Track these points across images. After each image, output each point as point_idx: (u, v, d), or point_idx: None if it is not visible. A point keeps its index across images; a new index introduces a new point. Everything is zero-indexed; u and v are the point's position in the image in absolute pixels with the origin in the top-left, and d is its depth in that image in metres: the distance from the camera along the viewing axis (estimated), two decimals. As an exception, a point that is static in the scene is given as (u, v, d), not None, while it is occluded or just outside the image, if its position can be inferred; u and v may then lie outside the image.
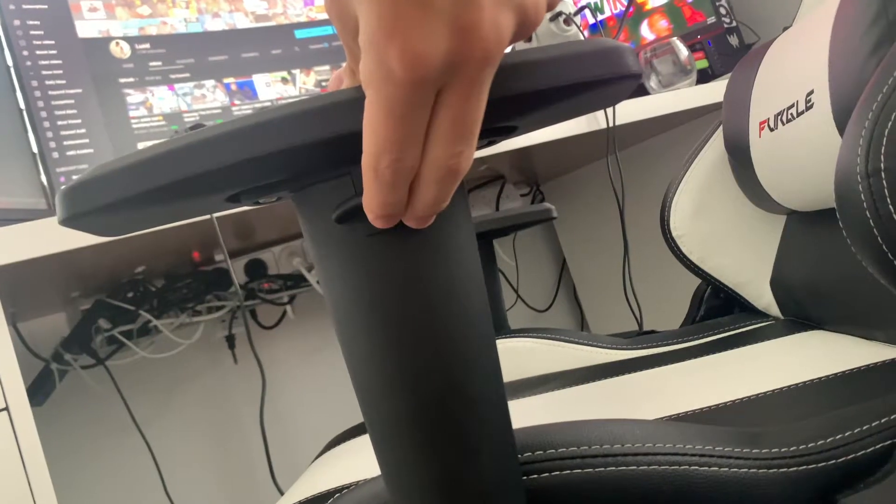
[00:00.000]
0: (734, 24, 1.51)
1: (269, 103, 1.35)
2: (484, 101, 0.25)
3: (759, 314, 0.84)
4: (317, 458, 0.74)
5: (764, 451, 0.34)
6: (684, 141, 1.46)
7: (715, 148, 0.86)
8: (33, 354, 1.15)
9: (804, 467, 0.34)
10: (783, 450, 0.35)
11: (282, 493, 1.17)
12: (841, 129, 0.55)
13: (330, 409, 1.48)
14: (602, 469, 0.31)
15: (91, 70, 1.19)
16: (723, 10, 1.50)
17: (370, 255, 0.30)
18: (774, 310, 0.82)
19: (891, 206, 0.36)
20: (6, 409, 0.75)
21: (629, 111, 1.15)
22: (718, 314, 0.89)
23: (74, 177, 1.11)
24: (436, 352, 0.30)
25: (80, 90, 1.17)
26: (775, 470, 0.34)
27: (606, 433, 0.33)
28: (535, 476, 0.31)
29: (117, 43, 1.23)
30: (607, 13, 1.50)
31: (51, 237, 0.78)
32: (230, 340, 1.38)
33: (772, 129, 0.68)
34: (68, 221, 0.29)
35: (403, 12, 0.23)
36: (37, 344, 1.17)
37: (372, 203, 0.27)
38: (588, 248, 1.83)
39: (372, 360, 0.30)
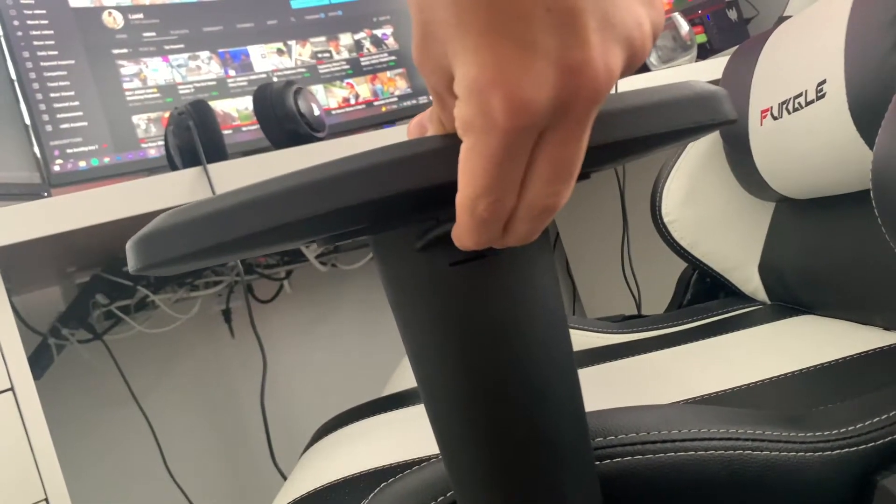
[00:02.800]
0: (733, -3, 1.51)
1: (264, 76, 1.32)
2: (587, 139, 0.24)
3: (745, 299, 0.85)
4: (310, 445, 0.72)
5: (809, 434, 0.35)
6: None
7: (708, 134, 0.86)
8: (29, 329, 1.14)
9: (846, 450, 0.35)
10: (826, 433, 0.36)
11: (278, 468, 1.17)
12: (857, 119, 0.56)
13: (327, 383, 1.48)
14: (662, 455, 0.32)
15: (83, 41, 1.16)
16: (721, -16, 1.49)
17: (452, 284, 0.29)
18: (762, 294, 0.83)
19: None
20: (11, 389, 0.74)
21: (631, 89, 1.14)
22: (705, 298, 0.90)
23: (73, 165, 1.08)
24: (521, 379, 0.29)
25: (72, 61, 1.14)
26: (820, 453, 0.34)
27: (662, 419, 0.33)
28: (597, 464, 0.32)
29: (110, 13, 1.20)
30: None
31: (47, 218, 0.77)
32: (227, 315, 1.38)
33: (775, 118, 0.68)
34: (142, 271, 0.29)
35: (507, 57, 0.22)
36: (32, 318, 1.16)
37: (464, 239, 0.26)
38: (583, 223, 1.83)
39: (450, 388, 0.30)
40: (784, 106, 0.66)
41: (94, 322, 1.16)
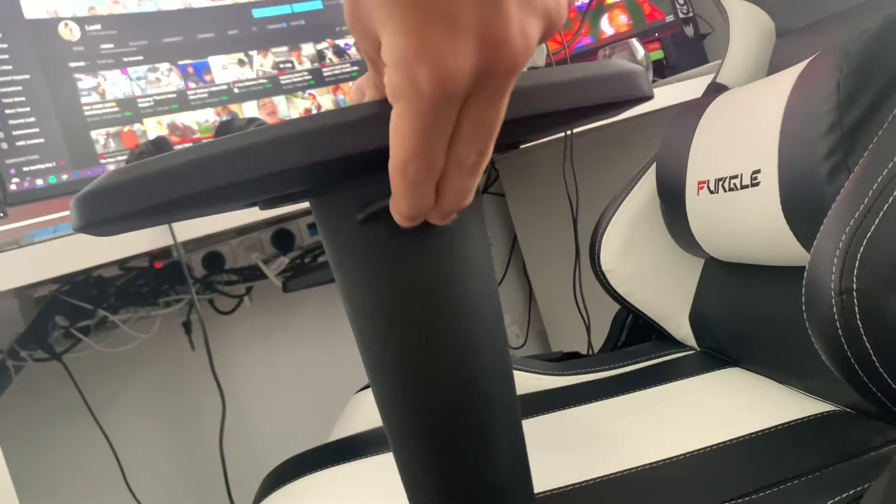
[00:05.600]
0: (691, 14, 1.54)
1: (225, 87, 1.31)
2: (506, 103, 0.26)
3: (676, 343, 0.90)
4: (263, 495, 0.70)
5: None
6: (638, 131, 1.49)
7: (646, 187, 0.90)
8: (-15, 349, 1.13)
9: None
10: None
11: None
12: (787, 213, 0.60)
13: (287, 395, 1.50)
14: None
15: (39, 54, 1.13)
16: (681, 0, 1.52)
17: (394, 255, 0.30)
18: (691, 341, 0.88)
19: (859, 322, 0.40)
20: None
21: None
22: (639, 338, 0.96)
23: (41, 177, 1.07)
24: (456, 348, 0.31)
25: (27, 76, 1.12)
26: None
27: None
28: None
29: (66, 24, 1.17)
30: (569, 3, 1.50)
31: (14, 272, 0.76)
32: (187, 326, 1.38)
33: (712, 192, 0.72)
34: (85, 229, 0.29)
35: (431, 30, 0.23)
36: (-12, 336, 1.14)
37: (401, 205, 0.27)
38: (539, 224, 1.86)
39: (389, 357, 0.32)
40: (720, 183, 0.70)
41: (53, 343, 1.16)
